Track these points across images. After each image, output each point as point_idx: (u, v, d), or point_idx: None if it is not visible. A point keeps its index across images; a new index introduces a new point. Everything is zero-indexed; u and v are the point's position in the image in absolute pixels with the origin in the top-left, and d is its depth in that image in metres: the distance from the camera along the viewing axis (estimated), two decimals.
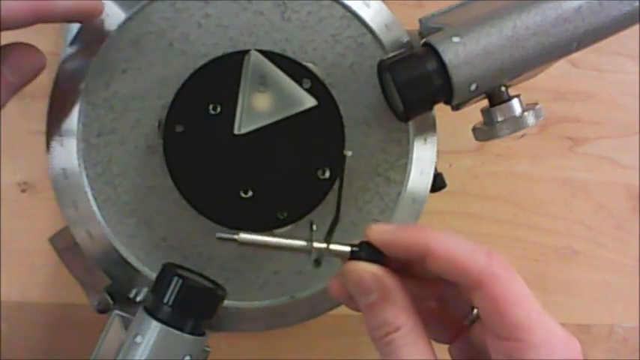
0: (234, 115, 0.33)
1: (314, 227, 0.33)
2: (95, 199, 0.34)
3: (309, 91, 0.33)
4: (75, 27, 0.35)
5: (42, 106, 0.35)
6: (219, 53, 0.34)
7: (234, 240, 0.30)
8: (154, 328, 0.30)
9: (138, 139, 0.35)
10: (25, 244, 0.50)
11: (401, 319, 0.28)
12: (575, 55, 0.33)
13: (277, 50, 0.34)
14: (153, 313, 0.31)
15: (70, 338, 0.49)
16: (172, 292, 0.31)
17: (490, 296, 0.27)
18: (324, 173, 0.34)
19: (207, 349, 0.33)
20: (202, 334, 0.32)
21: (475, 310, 0.30)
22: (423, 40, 0.32)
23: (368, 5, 0.35)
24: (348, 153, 0.33)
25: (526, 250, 0.55)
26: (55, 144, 0.34)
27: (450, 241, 0.28)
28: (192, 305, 0.31)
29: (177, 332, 0.30)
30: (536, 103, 0.34)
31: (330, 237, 0.31)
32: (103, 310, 0.35)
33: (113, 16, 0.34)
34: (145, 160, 0.34)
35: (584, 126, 0.57)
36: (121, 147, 0.34)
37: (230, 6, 0.34)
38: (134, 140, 0.35)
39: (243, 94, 0.33)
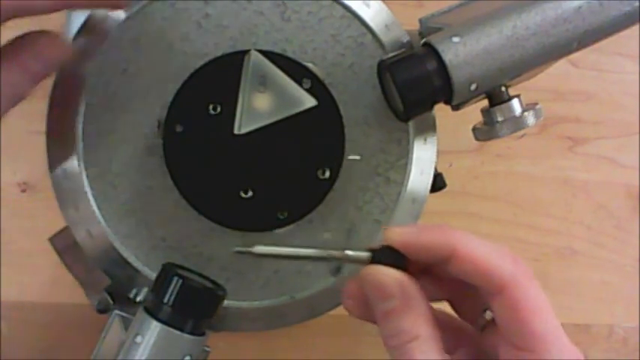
0: (234, 115, 0.33)
1: (328, 235, 0.33)
2: (95, 199, 0.34)
3: (309, 91, 0.33)
4: (75, 27, 0.35)
5: (42, 106, 0.35)
6: (219, 53, 0.34)
7: (251, 253, 0.29)
8: (154, 328, 0.30)
9: (138, 139, 0.35)
10: (25, 244, 0.50)
11: (420, 328, 0.27)
12: (575, 55, 0.33)
13: (277, 50, 0.34)
14: (153, 313, 0.31)
15: (70, 338, 0.49)
16: (172, 292, 0.31)
17: (511, 303, 0.27)
18: (324, 173, 0.34)
19: (207, 349, 0.33)
20: (202, 334, 0.32)
21: (487, 314, 0.30)
22: (423, 40, 0.32)
23: (368, 5, 0.35)
24: (356, 157, 0.33)
25: (526, 250, 0.55)
26: (54, 144, 0.34)
27: (475, 243, 0.27)
28: (192, 305, 0.31)
29: (177, 332, 0.31)
30: (536, 103, 0.34)
31: (347, 242, 0.30)
32: (103, 310, 0.35)
33: (113, 16, 0.34)
34: (144, 160, 0.34)
35: (584, 126, 0.57)
36: (121, 147, 0.34)
37: (230, 6, 0.34)
38: (134, 140, 0.35)
39: (243, 94, 0.33)
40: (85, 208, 0.34)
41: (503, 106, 0.33)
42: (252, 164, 0.33)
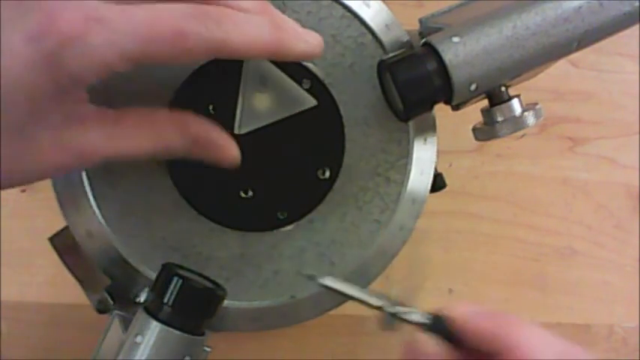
0: (233, 115, 0.33)
1: (395, 292, 0.33)
2: (95, 199, 0.34)
3: (309, 91, 0.33)
4: None
5: None
6: None
7: (316, 281, 0.31)
8: (154, 328, 0.30)
9: None
10: (25, 244, 0.50)
11: None
12: (575, 55, 0.33)
13: None
14: (153, 313, 0.31)
15: (70, 338, 0.49)
16: (172, 292, 0.31)
17: None
18: (324, 173, 0.34)
19: (207, 349, 0.33)
20: (202, 334, 0.32)
21: None
22: (423, 40, 0.32)
23: (368, 5, 0.35)
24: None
25: (526, 250, 0.55)
26: None
27: (538, 341, 0.26)
28: (192, 305, 0.31)
29: (177, 332, 0.30)
30: (536, 103, 0.34)
31: (410, 301, 0.30)
32: (103, 310, 0.35)
33: None
34: (144, 160, 0.34)
35: (584, 126, 0.57)
36: None
37: None
38: None
39: (243, 94, 0.33)
40: (85, 208, 0.34)
41: (503, 106, 0.33)
42: (252, 164, 0.33)
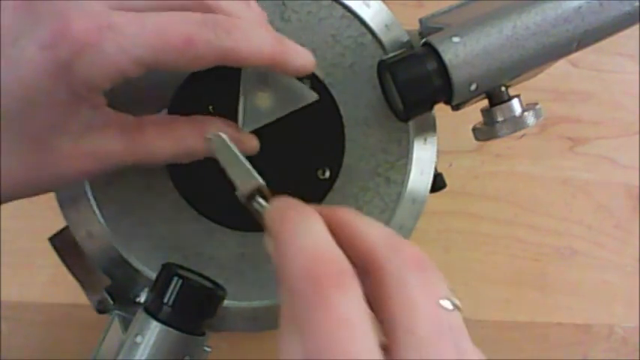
0: (233, 114, 0.33)
1: None
2: (95, 199, 0.34)
3: None
4: None
5: None
6: None
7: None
8: (154, 328, 0.30)
9: None
10: (25, 244, 0.50)
11: None
12: (575, 55, 0.33)
13: None
14: (153, 313, 0.31)
15: (70, 338, 0.49)
16: (172, 292, 0.31)
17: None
18: (324, 173, 0.34)
19: (207, 349, 0.33)
20: (202, 334, 0.32)
21: None
22: (423, 40, 0.32)
23: (368, 5, 0.35)
24: None
25: (526, 250, 0.55)
26: None
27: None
28: (192, 305, 0.31)
29: (177, 332, 0.30)
30: (536, 103, 0.34)
31: None
32: (103, 310, 0.35)
33: None
34: None
35: (584, 126, 0.57)
36: None
37: None
38: None
39: (244, 94, 0.33)
40: (85, 208, 0.34)
41: (503, 106, 0.33)
42: (251, 164, 0.33)
